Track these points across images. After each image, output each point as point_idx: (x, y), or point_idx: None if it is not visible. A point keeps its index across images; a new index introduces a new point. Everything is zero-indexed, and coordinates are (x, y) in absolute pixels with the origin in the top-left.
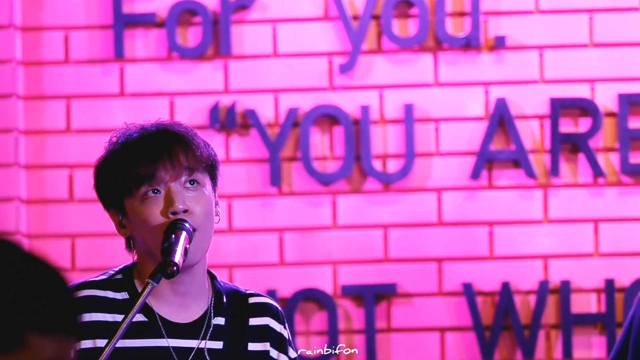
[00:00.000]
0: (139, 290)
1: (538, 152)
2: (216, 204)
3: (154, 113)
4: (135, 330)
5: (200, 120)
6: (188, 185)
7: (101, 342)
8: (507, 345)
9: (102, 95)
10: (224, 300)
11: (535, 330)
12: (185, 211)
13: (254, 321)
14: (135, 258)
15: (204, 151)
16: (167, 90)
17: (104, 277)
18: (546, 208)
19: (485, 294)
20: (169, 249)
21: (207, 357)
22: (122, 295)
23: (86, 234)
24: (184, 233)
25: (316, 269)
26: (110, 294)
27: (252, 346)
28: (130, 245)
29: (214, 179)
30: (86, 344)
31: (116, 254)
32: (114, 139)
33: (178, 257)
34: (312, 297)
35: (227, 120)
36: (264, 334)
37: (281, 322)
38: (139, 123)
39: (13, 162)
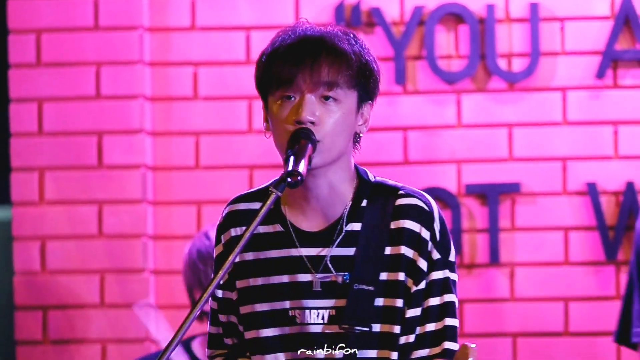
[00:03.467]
0: (284, 200)
1: None
2: (365, 122)
3: (278, 10)
4: (272, 241)
5: (326, 18)
6: (324, 100)
7: (247, 255)
8: (631, 246)
9: None
10: (363, 204)
11: None
12: (312, 122)
13: (395, 224)
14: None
15: (355, 66)
16: None
17: (262, 186)
18: None
19: (610, 194)
20: (290, 158)
21: (329, 265)
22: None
23: (210, 132)
24: (307, 143)
25: (440, 168)
26: (257, 205)
27: (389, 250)
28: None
29: (365, 95)
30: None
31: (240, 152)
32: (279, 35)
33: (302, 167)
34: (436, 196)
35: (352, 18)
36: (401, 236)
37: (424, 223)
38: (308, 23)
39: (137, 60)
